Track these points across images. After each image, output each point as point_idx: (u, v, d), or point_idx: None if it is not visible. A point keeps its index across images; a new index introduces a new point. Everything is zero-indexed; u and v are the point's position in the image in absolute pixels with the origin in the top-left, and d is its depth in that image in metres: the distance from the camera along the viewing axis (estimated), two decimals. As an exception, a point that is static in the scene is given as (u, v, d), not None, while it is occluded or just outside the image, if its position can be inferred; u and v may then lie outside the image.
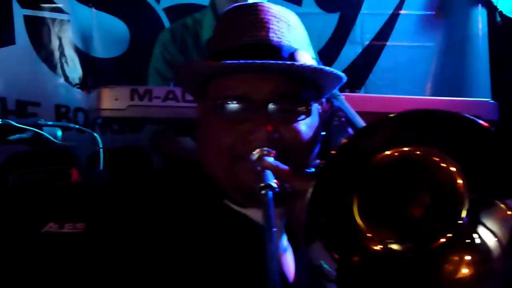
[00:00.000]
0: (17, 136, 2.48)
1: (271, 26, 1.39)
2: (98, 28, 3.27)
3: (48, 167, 2.28)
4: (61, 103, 3.24)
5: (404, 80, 3.41)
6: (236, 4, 1.47)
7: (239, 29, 1.41)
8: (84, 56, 3.26)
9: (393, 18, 3.50)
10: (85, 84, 3.25)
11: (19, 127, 2.44)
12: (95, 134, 2.67)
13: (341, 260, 1.07)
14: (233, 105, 1.36)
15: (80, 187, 2.20)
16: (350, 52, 3.44)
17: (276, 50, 1.37)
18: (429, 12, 3.51)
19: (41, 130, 2.51)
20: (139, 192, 1.48)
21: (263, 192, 1.13)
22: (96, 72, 3.27)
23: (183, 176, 1.56)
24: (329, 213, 1.08)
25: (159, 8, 3.36)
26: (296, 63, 1.35)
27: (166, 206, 1.43)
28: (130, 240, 1.38)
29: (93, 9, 3.25)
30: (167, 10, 3.37)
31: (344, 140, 1.05)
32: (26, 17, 3.16)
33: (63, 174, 2.18)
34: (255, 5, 1.43)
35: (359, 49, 3.47)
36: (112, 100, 2.08)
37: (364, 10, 3.48)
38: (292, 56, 1.38)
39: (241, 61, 1.30)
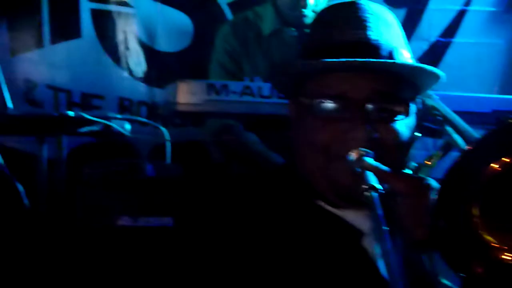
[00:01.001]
0: (87, 128, 2.51)
1: (369, 24, 1.37)
2: (162, 21, 3.28)
3: (123, 161, 2.30)
4: (124, 96, 3.27)
5: (471, 78, 3.34)
6: (334, 2, 1.45)
7: (338, 27, 1.39)
8: (148, 50, 3.27)
9: (461, 14, 3.43)
10: (149, 77, 3.27)
11: (91, 119, 2.47)
12: (162, 128, 2.69)
13: (463, 270, 1.04)
14: (331, 104, 1.34)
15: (155, 181, 2.21)
16: (416, 48, 3.36)
17: (375, 49, 1.34)
18: (498, 9, 3.43)
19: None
20: (230, 189, 1.48)
21: (367, 193, 1.12)
22: (160, 65, 3.29)
23: (272, 175, 1.55)
24: (448, 218, 1.05)
25: (222, 2, 3.35)
26: (397, 61, 1.33)
27: (257, 204, 1.42)
28: (221, 239, 1.37)
29: (158, 3, 3.26)
30: (230, 3, 3.36)
31: (468, 146, 1.02)
32: (92, 11, 3.19)
33: (138, 168, 2.19)
34: (353, 3, 1.41)
35: (425, 46, 3.41)
36: (189, 94, 2.08)
37: (431, 5, 3.42)
38: (391, 54, 1.35)
39: (342, 60, 1.28)
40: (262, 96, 2.11)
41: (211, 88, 2.09)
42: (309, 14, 2.77)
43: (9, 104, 2.46)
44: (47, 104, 3.13)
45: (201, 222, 1.41)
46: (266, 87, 2.15)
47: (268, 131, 2.54)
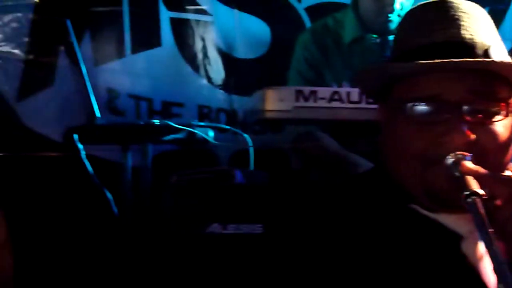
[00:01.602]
0: (172, 136, 2.54)
1: (462, 23, 1.32)
2: (240, 29, 3.30)
3: (211, 168, 2.31)
4: (203, 104, 3.30)
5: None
6: (423, 1, 1.41)
7: (429, 27, 1.34)
8: (227, 57, 3.29)
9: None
10: (227, 84, 3.29)
11: (176, 127, 2.50)
12: (244, 135, 2.70)
13: None
14: (425, 107, 1.28)
15: (245, 188, 2.21)
16: (499, 48, 3.26)
17: (469, 48, 1.29)
18: None
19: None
20: (321, 196, 1.45)
21: (469, 199, 1.08)
22: (238, 72, 3.30)
23: (362, 180, 1.52)
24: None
25: (300, 8, 3.34)
26: (495, 60, 1.27)
27: (350, 210, 1.39)
28: (314, 246, 1.35)
29: (236, 10, 3.28)
30: (308, 9, 3.35)
31: None
32: (172, 20, 3.24)
33: (227, 175, 2.19)
34: (444, 1, 1.36)
35: (508, 46, 3.29)
36: (277, 101, 2.07)
37: (514, 5, 3.32)
38: (486, 52, 1.30)
39: (437, 61, 1.24)
40: (351, 102, 2.08)
41: (299, 94, 2.08)
42: (394, 19, 2.72)
43: (97, 113, 2.52)
44: (128, 112, 3.19)
45: (292, 229, 1.39)
46: (355, 93, 2.12)
47: (355, 136, 2.51)
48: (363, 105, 2.09)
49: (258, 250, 1.83)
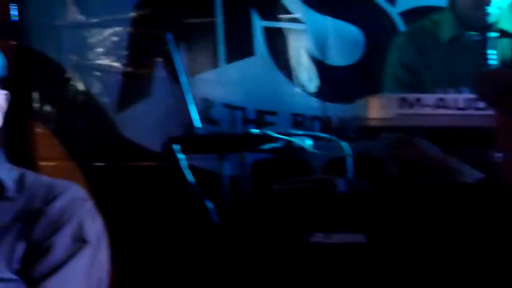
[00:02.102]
0: (270, 145, 2.55)
1: None
2: (333, 35, 3.29)
3: (313, 177, 2.31)
4: (297, 112, 3.30)
5: None
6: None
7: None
8: (320, 65, 3.29)
9: None
10: (321, 92, 3.27)
11: (274, 136, 2.51)
12: (343, 143, 2.67)
13: None
14: None
15: (348, 197, 2.19)
16: None
17: None
18: None
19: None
20: (428, 204, 1.42)
21: None
22: (332, 80, 3.29)
23: (477, 189, 1.47)
24: None
25: (394, 13, 3.29)
26: None
27: (465, 219, 1.35)
28: (422, 255, 1.31)
29: (329, 17, 3.27)
30: (402, 14, 3.30)
31: None
32: (265, 29, 3.26)
33: (329, 184, 2.18)
34: None
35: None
36: (380, 108, 2.04)
37: None
38: None
39: None
40: (458, 109, 2.03)
41: (403, 101, 2.04)
42: (493, 12, 2.63)
43: (197, 124, 2.56)
44: (223, 122, 3.23)
45: (401, 238, 1.37)
46: (461, 99, 2.06)
47: (461, 144, 2.44)
48: (470, 111, 2.03)
49: (362, 260, 1.81)
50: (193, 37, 3.24)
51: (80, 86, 3.27)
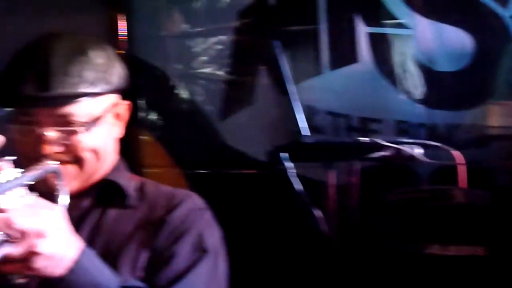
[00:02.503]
0: (380, 153, 2.50)
1: None
2: (441, 41, 3.20)
3: (428, 187, 2.24)
4: (401, 119, 3.23)
5: None
6: None
7: None
8: (427, 71, 3.20)
9: None
10: (427, 99, 3.19)
11: (383, 144, 2.46)
12: (453, 152, 2.58)
13: None
14: None
15: (466, 207, 2.11)
16: None
17: None
18: None
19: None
20: None
21: None
22: (439, 86, 3.20)
23: None
24: None
25: (506, 16, 3.16)
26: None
27: None
28: None
29: (437, 22, 3.19)
30: (515, 16, 3.17)
31: None
32: (369, 35, 3.21)
33: (445, 194, 2.11)
34: None
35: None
36: (503, 116, 1.95)
37: None
38: None
39: None
40: None
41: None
42: None
43: (304, 132, 2.54)
44: (326, 130, 3.20)
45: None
46: None
47: None
48: None
49: (481, 273, 1.73)
50: (297, 44, 3.23)
51: (185, 95, 3.33)
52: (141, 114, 3.25)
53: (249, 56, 3.24)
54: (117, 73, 1.52)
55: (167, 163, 3.33)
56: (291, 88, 2.60)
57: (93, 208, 1.53)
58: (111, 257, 1.37)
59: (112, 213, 1.54)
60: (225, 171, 3.23)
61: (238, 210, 2.97)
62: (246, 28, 3.24)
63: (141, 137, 3.28)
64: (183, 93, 3.34)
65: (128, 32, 3.27)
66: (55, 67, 1.41)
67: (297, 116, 2.56)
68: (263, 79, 3.20)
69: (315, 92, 3.23)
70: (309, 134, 2.54)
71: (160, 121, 3.33)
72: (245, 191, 3.08)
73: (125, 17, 3.27)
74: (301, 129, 2.52)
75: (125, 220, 1.53)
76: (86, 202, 1.53)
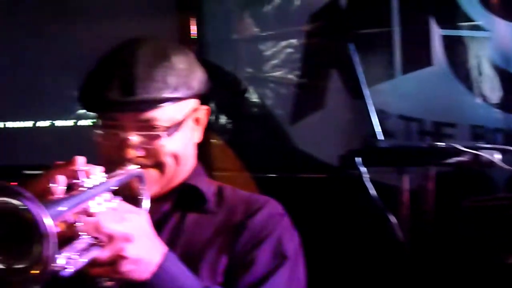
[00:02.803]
0: (456, 158, 2.43)
1: None
2: (519, 43, 3.09)
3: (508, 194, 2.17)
4: (477, 124, 3.14)
5: None
6: None
7: None
8: (505, 74, 3.10)
9: None
10: (505, 103, 3.09)
11: (461, 149, 2.39)
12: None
13: None
14: None
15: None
16: None
17: None
18: None
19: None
20: None
21: None
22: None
23: None
24: None
25: None
26: None
27: None
28: None
29: (515, 24, 3.08)
30: None
31: None
32: (444, 38, 3.14)
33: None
34: None
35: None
36: None
37: None
38: None
39: None
40: None
41: None
42: None
43: (379, 136, 2.50)
44: (398, 134, 3.14)
45: None
46: None
47: None
48: None
49: None
50: (369, 47, 3.19)
51: (255, 98, 3.34)
52: (211, 118, 3.27)
53: (321, 59, 3.22)
54: (198, 78, 1.54)
55: (236, 166, 3.34)
56: (366, 91, 2.55)
57: (172, 212, 1.56)
58: (190, 262, 1.38)
59: (191, 217, 1.55)
60: (295, 175, 3.22)
61: (309, 215, 2.95)
62: (318, 31, 3.22)
63: (211, 140, 3.30)
64: (254, 97, 3.34)
65: (199, 36, 3.31)
66: (139, 73, 1.44)
67: (371, 120, 2.51)
68: (335, 83, 3.16)
69: (388, 96, 3.17)
70: (382, 138, 2.48)
71: (230, 124, 3.34)
72: (316, 196, 3.05)
73: (196, 21, 3.31)
74: (375, 133, 2.47)
75: (204, 224, 1.54)
76: (165, 206, 1.55)
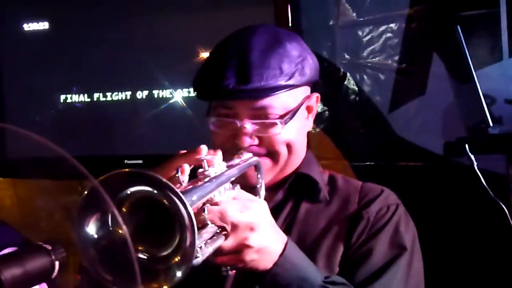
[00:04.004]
0: None
1: None
2: None
3: None
4: None
5: None
6: None
7: None
8: None
9: None
10: None
11: None
12: None
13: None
14: None
15: None
16: None
17: None
18: None
19: None
20: None
21: None
22: None
23: None
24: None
25: None
26: None
27: None
28: None
29: None
30: None
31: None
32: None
33: None
34: None
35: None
36: None
37: None
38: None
39: None
40: None
41: None
42: None
43: (487, 122, 2.41)
44: (505, 119, 3.01)
45: None
46: None
47: None
48: None
49: None
50: (473, 29, 3.07)
51: (352, 85, 3.29)
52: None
53: (422, 43, 3.12)
54: (310, 64, 1.54)
55: (335, 155, 3.32)
56: (473, 76, 2.45)
57: (285, 201, 1.56)
58: (306, 252, 1.37)
59: (304, 206, 1.56)
60: (395, 163, 3.16)
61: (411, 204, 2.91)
62: (419, 14, 3.12)
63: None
64: (351, 84, 3.30)
65: (295, 24, 3.29)
66: (254, 60, 1.44)
67: (478, 105, 2.42)
68: (437, 68, 3.07)
69: (493, 80, 3.04)
70: (491, 124, 2.38)
71: (327, 112, 3.31)
72: (417, 184, 2.98)
73: (292, 9, 3.30)
74: (483, 119, 2.37)
75: (318, 214, 1.54)
76: (278, 196, 1.56)
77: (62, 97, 3.79)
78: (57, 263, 1.05)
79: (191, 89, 3.30)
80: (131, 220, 0.99)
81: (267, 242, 1.24)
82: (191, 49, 3.38)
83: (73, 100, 3.77)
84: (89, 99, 3.73)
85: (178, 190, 0.92)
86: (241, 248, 1.20)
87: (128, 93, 3.65)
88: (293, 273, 1.27)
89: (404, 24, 3.17)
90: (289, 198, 1.57)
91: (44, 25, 3.79)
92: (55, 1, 3.79)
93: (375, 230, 1.50)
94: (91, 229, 0.96)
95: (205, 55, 3.36)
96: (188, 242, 0.93)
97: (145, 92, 3.61)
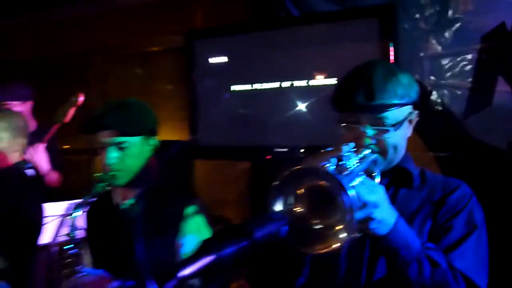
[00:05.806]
0: None
1: None
2: None
3: None
4: None
5: None
6: None
7: None
8: None
9: None
10: None
11: None
12: None
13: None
14: None
15: None
16: None
17: None
18: None
19: None
20: None
21: None
22: None
23: None
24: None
25: None
26: None
27: None
28: None
29: None
30: None
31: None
32: None
33: None
34: None
35: None
36: None
37: None
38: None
39: None
40: None
41: None
42: None
43: None
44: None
45: None
46: None
47: None
48: None
49: None
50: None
51: (437, 99, 3.95)
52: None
53: (489, 69, 3.67)
54: (415, 89, 1.77)
55: (421, 149, 3.81)
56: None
57: (388, 187, 1.76)
58: None
59: (402, 192, 1.77)
60: (468, 158, 3.66)
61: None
62: (488, 49, 3.67)
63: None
64: (436, 98, 3.93)
65: (395, 56, 3.82)
66: (378, 84, 1.66)
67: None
68: (502, 87, 3.60)
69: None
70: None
71: (419, 118, 3.89)
72: (483, 176, 3.40)
73: (393, 44, 3.83)
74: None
75: (412, 198, 1.75)
76: (384, 182, 1.75)
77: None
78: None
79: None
80: (308, 198, 1.28)
81: (385, 215, 1.43)
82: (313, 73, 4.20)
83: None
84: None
85: (339, 178, 1.17)
86: (367, 220, 1.40)
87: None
88: (401, 239, 1.47)
89: (477, 55, 3.75)
90: (391, 185, 1.75)
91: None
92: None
93: (455, 212, 1.66)
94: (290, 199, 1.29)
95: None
96: (347, 214, 1.22)
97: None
